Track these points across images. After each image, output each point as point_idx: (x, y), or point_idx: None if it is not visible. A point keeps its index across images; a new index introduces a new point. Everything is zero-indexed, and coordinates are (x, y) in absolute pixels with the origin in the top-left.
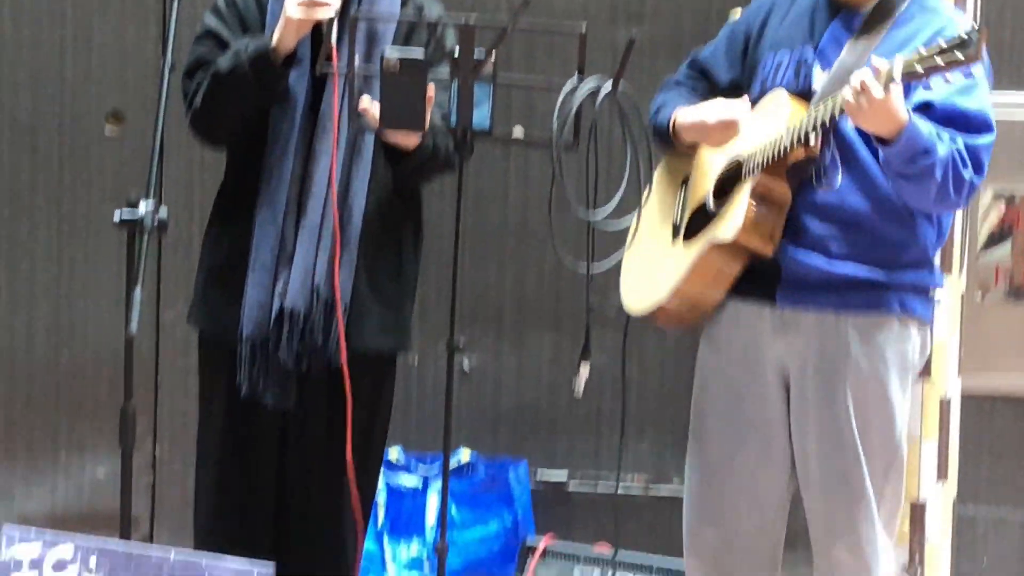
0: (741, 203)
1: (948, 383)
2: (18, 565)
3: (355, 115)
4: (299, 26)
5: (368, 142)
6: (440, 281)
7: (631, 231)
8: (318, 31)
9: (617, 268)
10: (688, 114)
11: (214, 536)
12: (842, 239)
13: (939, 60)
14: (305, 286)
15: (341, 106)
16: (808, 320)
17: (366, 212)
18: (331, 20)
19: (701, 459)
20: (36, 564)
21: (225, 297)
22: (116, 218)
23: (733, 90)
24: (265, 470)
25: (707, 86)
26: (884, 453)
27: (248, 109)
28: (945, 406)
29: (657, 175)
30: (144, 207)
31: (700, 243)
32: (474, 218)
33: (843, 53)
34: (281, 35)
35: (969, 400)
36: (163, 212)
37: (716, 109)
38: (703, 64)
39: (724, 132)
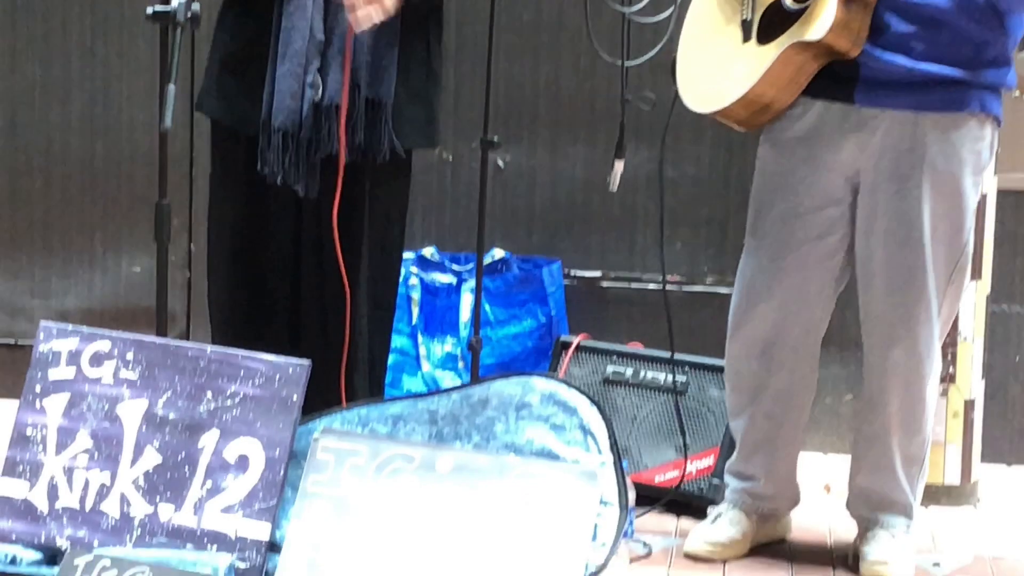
0: (830, 2)
1: (985, 181)
2: (56, 359)
3: None
4: None
5: None
6: (474, 78)
7: (686, 25)
8: None
9: (653, 63)
10: None
11: (232, 320)
12: (924, 38)
13: None
14: (340, 82)
15: None
16: (885, 119)
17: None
18: None
19: (756, 256)
20: (74, 358)
21: (243, 86)
22: (149, 11)
23: None
24: (283, 258)
25: None
26: (951, 252)
27: None
28: (980, 204)
29: None
30: (176, 1)
31: (780, 43)
32: (508, 13)
33: None
34: None
35: (1005, 196)
36: (195, 6)
37: None
38: None
39: None
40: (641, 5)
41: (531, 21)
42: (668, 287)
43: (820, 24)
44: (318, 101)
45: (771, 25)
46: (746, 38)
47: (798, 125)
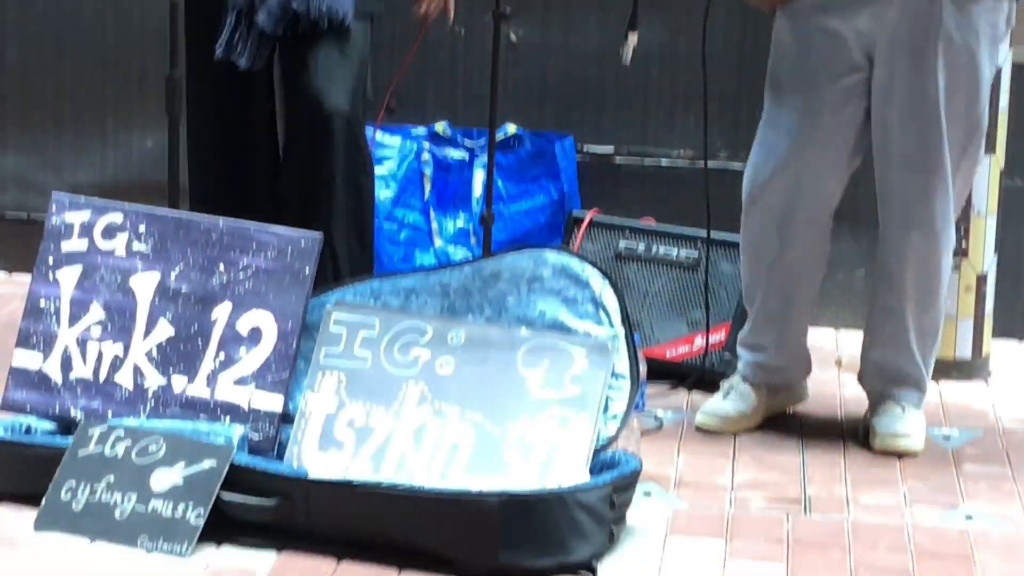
0: None
1: (999, 55)
2: (68, 231)
3: None
4: None
5: None
6: None
7: None
8: None
9: None
10: None
11: (213, 192)
12: None
13: None
14: None
15: None
16: None
17: None
18: None
19: (773, 128)
20: (86, 230)
21: None
22: None
23: None
24: (259, 126)
25: None
26: (966, 124)
27: None
28: (995, 78)
29: None
30: None
31: None
32: None
33: None
34: None
35: (1020, 70)
36: None
37: None
38: None
39: None
40: None
41: None
42: (679, 163)
43: None
44: None
45: None
46: None
47: None
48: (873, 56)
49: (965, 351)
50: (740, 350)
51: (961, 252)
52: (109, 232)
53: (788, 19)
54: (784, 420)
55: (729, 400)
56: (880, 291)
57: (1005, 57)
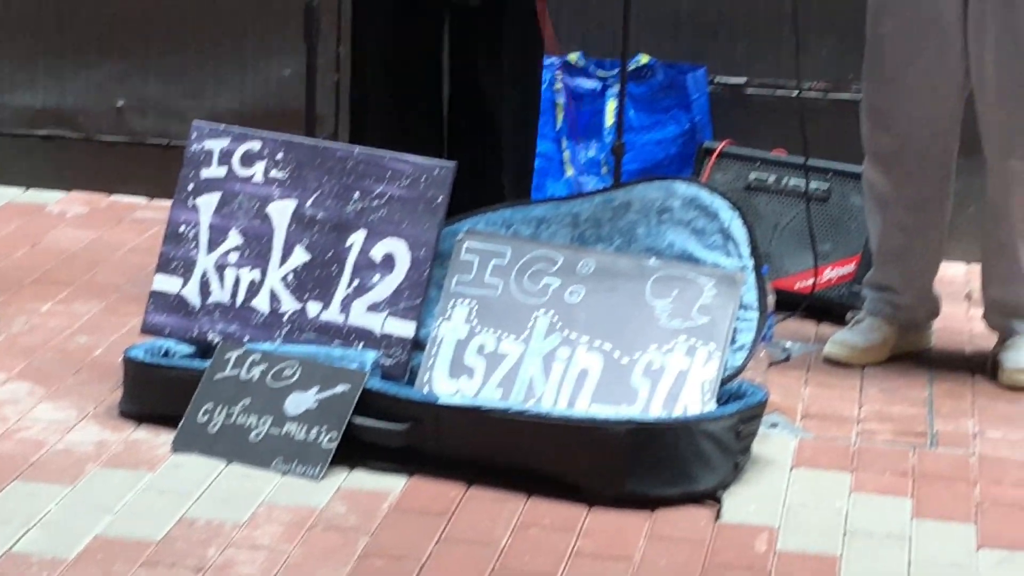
0: None
1: None
2: (208, 157)
3: None
4: None
5: None
6: None
7: None
8: None
9: None
10: None
11: (380, 125)
12: None
13: None
14: None
15: None
16: None
17: None
18: None
19: (877, 65)
20: (225, 157)
21: None
22: None
23: None
24: (430, 65)
25: None
26: None
27: None
28: None
29: None
30: None
31: None
32: None
33: None
34: None
35: None
36: None
37: None
38: None
39: None
40: None
41: None
42: (813, 93)
43: None
44: None
45: None
46: None
47: None
48: None
49: None
50: (866, 289)
51: None
52: (247, 159)
53: None
54: (912, 355)
55: (858, 331)
56: (989, 226)
57: None
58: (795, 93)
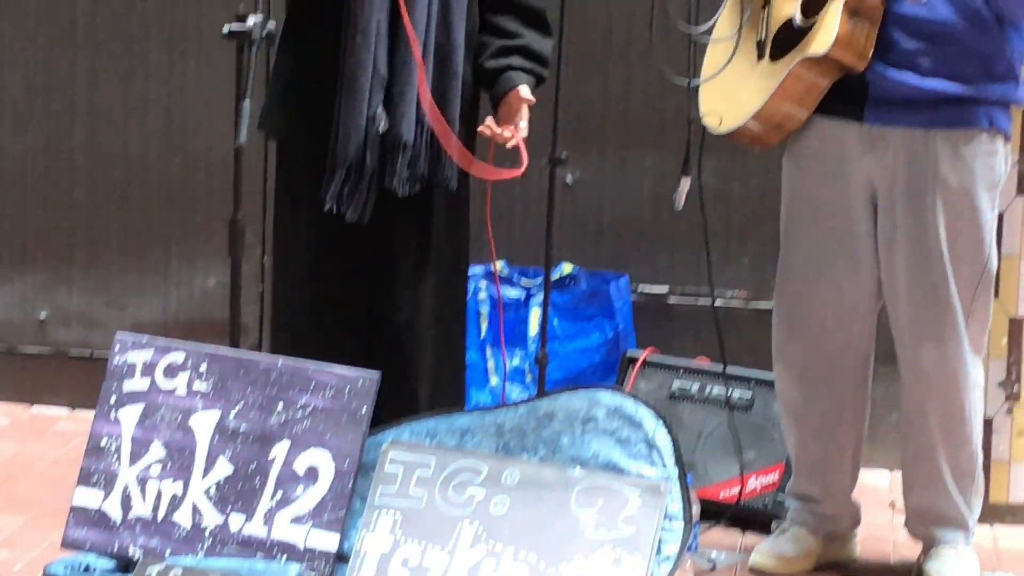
0: (834, 16)
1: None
2: (131, 370)
3: None
4: None
5: None
6: (544, 95)
7: (708, 50)
8: None
9: None
10: None
11: (307, 341)
12: (931, 54)
13: None
14: (410, 115)
15: None
16: (897, 136)
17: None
18: None
19: (789, 274)
20: (148, 370)
21: (306, 109)
22: (225, 30)
23: None
24: (356, 281)
25: None
26: (973, 267)
27: None
28: None
29: None
30: (252, 20)
31: (790, 59)
32: (578, 32)
33: None
34: None
35: None
36: (271, 25)
37: None
38: None
39: None
40: (708, 25)
41: (601, 39)
42: (735, 302)
43: (824, 39)
44: (384, 134)
45: (783, 43)
46: (760, 56)
47: (815, 143)
48: (876, 201)
49: (1019, 495)
50: (789, 499)
51: (1013, 396)
52: (171, 371)
53: (793, 165)
54: (838, 565)
55: (782, 541)
56: (909, 433)
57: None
58: (712, 302)
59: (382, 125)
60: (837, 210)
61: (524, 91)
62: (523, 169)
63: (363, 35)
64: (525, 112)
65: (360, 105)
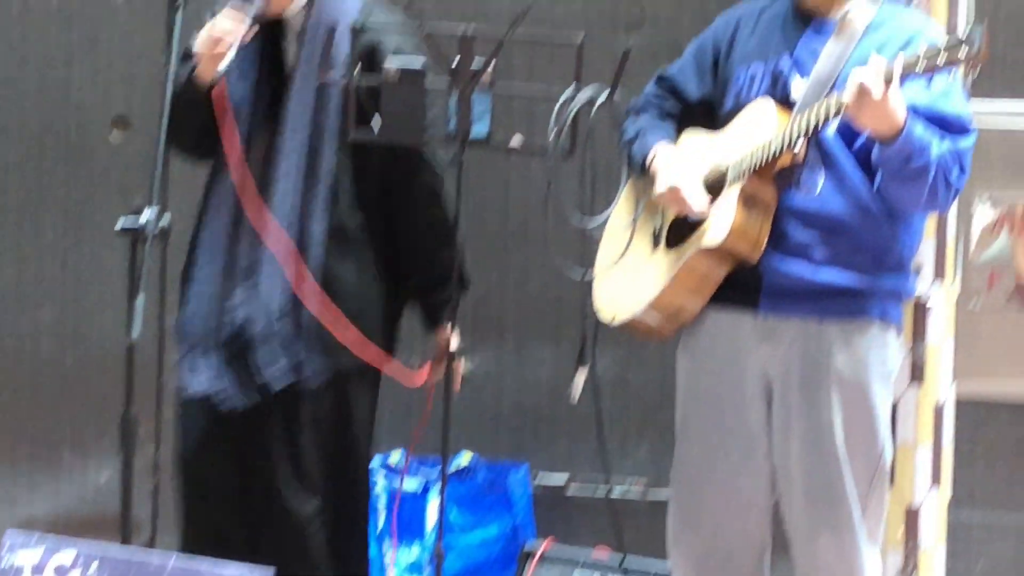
0: (729, 208)
1: (942, 389)
2: (19, 572)
3: (315, 128)
4: (208, 60)
5: (326, 164)
6: None
7: (603, 240)
8: (273, 44)
9: None
10: (665, 162)
11: (195, 538)
12: (824, 245)
13: (941, 58)
14: (268, 307)
15: (297, 124)
16: (791, 327)
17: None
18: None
19: (684, 466)
20: (38, 570)
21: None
22: (119, 226)
23: (703, 106)
24: (253, 471)
25: (676, 104)
26: (868, 461)
27: (196, 124)
28: (939, 412)
29: (632, 183)
30: (147, 214)
31: (685, 250)
32: (474, 223)
33: (820, 61)
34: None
35: (963, 405)
36: (166, 219)
37: (689, 183)
38: (671, 81)
39: (674, 203)
40: (602, 218)
41: (497, 229)
42: (632, 492)
43: (718, 231)
44: (239, 324)
45: (678, 232)
46: (655, 246)
47: (709, 334)
48: (771, 393)
49: None
50: None
51: None
52: (61, 572)
53: (688, 356)
54: None
55: None
56: None
57: (948, 391)
58: (608, 493)
59: (236, 316)
60: (732, 402)
61: (443, 330)
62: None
63: (214, 230)
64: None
65: (212, 291)
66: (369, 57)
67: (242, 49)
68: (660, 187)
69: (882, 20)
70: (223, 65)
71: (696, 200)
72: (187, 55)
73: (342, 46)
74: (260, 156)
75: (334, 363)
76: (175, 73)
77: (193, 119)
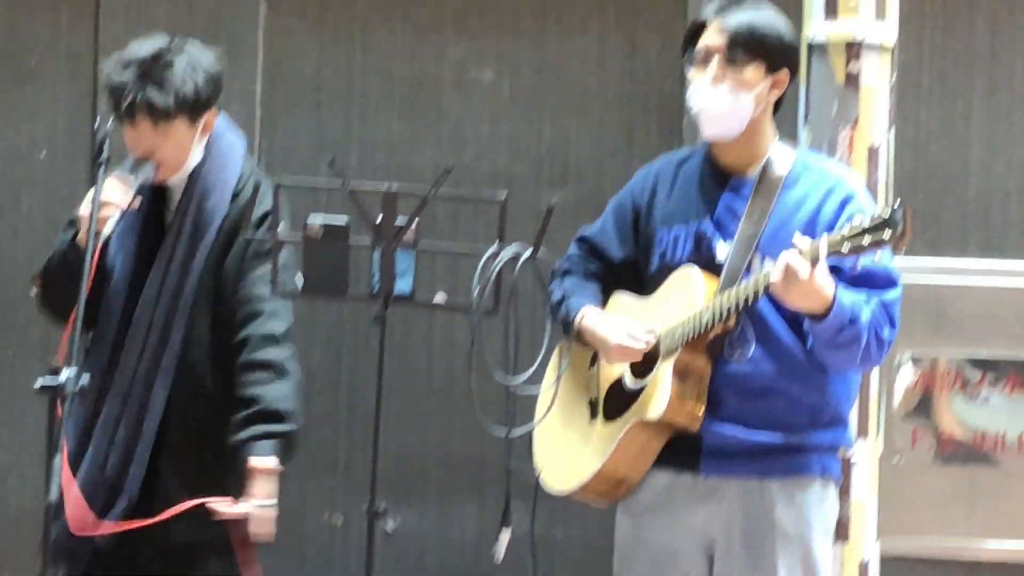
0: (665, 381)
1: (866, 546)
2: None
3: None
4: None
5: (176, 337)
6: (364, 442)
7: (548, 403)
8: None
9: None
10: (594, 321)
11: None
12: (760, 408)
13: (865, 240)
14: (94, 474)
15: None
16: (732, 486)
17: (170, 407)
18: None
19: None
20: None
21: None
22: (37, 385)
23: (627, 266)
24: None
25: (600, 265)
26: None
27: (71, 290)
28: (863, 569)
29: (558, 348)
30: (66, 374)
31: (624, 422)
32: (398, 379)
33: (741, 222)
34: (82, 230)
35: (888, 561)
36: (85, 379)
37: (620, 332)
38: (593, 242)
39: (622, 355)
40: (526, 376)
41: (421, 386)
42: None
43: (657, 403)
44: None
45: (615, 403)
46: (593, 416)
47: (650, 495)
48: (713, 553)
49: None
50: None
51: None
52: None
53: (628, 517)
54: None
55: None
56: None
57: (873, 548)
58: None
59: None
60: (672, 562)
61: (256, 461)
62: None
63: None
64: (265, 483)
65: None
66: (235, 226)
67: (126, 216)
68: (605, 349)
69: (799, 173)
70: (106, 230)
71: (640, 346)
72: (71, 222)
73: (217, 213)
74: (120, 322)
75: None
76: (60, 240)
77: (68, 284)
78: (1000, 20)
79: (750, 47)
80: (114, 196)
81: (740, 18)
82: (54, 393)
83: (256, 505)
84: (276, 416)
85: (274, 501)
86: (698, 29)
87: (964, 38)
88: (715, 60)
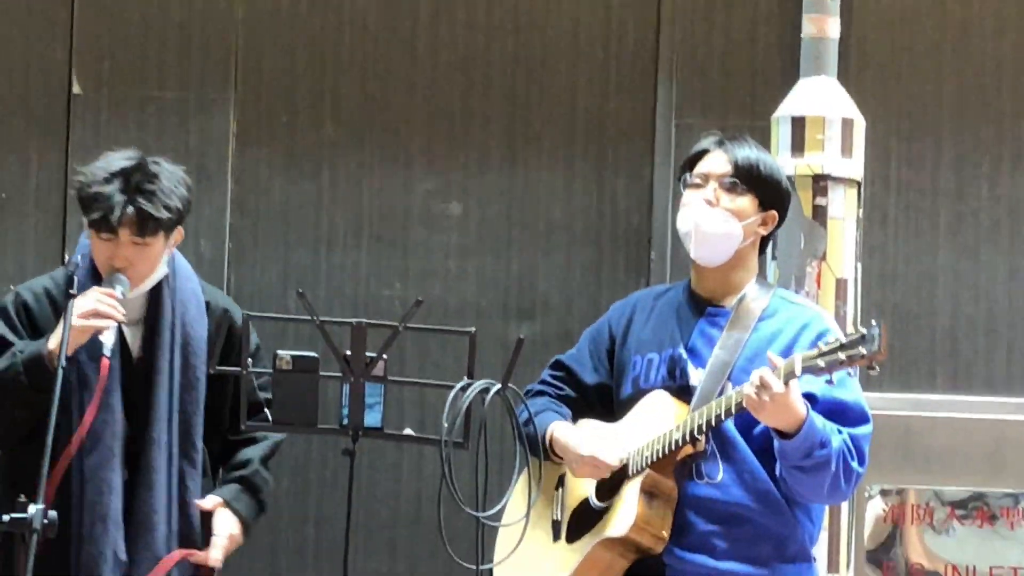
0: (631, 499)
1: None
2: None
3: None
4: (81, 334)
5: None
6: (333, 574)
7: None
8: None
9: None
10: (564, 434)
11: None
12: (726, 536)
13: (841, 355)
14: None
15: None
16: None
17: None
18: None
19: None
20: None
21: None
22: (4, 519)
23: (599, 393)
24: None
25: (572, 390)
26: None
27: (24, 411)
28: None
29: (524, 475)
30: (32, 509)
31: (587, 541)
32: (366, 512)
33: (716, 349)
34: (63, 341)
35: None
36: (52, 514)
37: (591, 444)
38: (568, 366)
39: (593, 468)
40: (495, 510)
41: (389, 520)
42: None
43: (622, 521)
44: None
45: (579, 524)
46: (556, 537)
47: None
48: None
49: None
50: None
51: None
52: None
53: None
54: None
55: None
56: None
57: None
58: None
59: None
60: None
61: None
62: None
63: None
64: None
65: None
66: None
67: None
68: (574, 461)
69: (775, 308)
70: (108, 343)
71: (612, 458)
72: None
73: (198, 324)
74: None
75: None
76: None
77: (18, 403)
78: (965, 155)
79: (749, 180)
80: (110, 309)
81: (745, 152)
82: (21, 527)
83: None
84: (256, 491)
85: None
86: (697, 156)
87: (929, 173)
88: (713, 184)
